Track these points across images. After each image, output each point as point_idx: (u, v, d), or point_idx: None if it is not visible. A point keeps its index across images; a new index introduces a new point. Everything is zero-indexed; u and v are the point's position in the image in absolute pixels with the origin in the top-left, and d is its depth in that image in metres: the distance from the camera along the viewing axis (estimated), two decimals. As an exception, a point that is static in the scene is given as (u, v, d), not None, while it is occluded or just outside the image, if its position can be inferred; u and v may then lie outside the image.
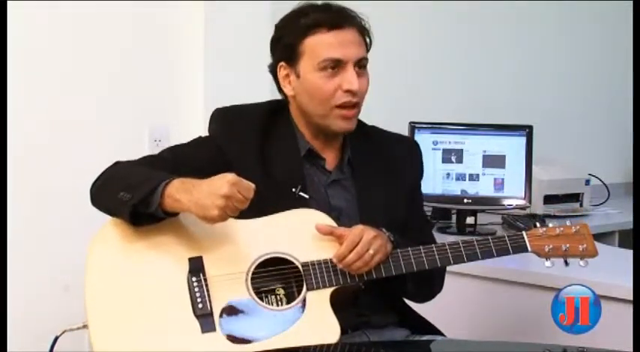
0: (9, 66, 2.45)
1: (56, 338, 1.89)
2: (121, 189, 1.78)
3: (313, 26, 1.89)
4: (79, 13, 2.63)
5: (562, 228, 1.90)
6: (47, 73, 2.61)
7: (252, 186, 1.73)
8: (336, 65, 1.89)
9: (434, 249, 1.87)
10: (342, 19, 1.91)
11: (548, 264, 1.89)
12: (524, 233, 1.90)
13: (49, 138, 2.62)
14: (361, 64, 1.92)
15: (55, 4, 2.58)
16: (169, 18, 2.84)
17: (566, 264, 1.89)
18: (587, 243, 1.89)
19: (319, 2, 1.96)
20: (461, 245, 1.87)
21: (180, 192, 1.74)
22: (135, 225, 1.80)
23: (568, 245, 1.89)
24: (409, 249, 1.86)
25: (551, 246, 1.88)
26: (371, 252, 1.81)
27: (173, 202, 1.75)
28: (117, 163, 1.92)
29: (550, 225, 1.92)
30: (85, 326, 1.78)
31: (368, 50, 1.95)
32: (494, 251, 1.88)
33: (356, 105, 1.92)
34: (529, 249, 1.89)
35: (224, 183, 1.71)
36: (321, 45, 1.89)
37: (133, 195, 1.76)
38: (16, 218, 2.46)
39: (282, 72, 1.95)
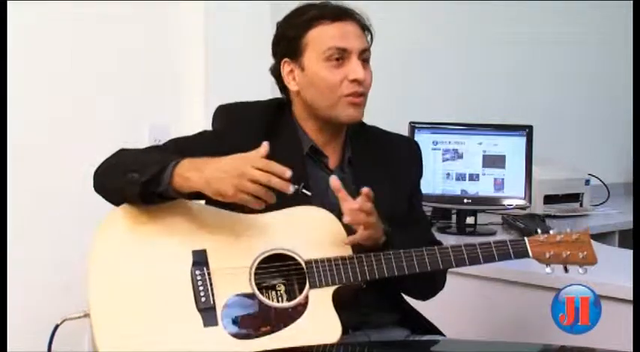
0: (8, 65, 2.45)
1: (56, 327, 1.88)
2: (129, 171, 1.78)
3: (316, 18, 1.91)
4: (79, 12, 2.63)
5: (563, 235, 1.91)
6: (47, 73, 2.61)
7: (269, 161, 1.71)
8: (340, 55, 1.90)
9: (436, 251, 1.87)
10: (343, 12, 1.93)
11: (548, 270, 1.90)
12: (525, 239, 1.90)
13: (50, 137, 2.62)
14: (364, 57, 1.93)
15: (54, 3, 2.58)
16: (169, 17, 2.84)
17: (566, 270, 1.90)
18: (588, 250, 1.90)
19: (318, 2, 1.97)
20: (463, 248, 1.87)
21: (191, 170, 1.74)
22: (145, 204, 1.80)
23: (569, 252, 1.89)
24: (412, 250, 1.86)
25: (551, 253, 1.89)
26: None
27: (183, 181, 1.74)
28: (122, 150, 1.92)
29: (552, 231, 1.92)
30: (85, 315, 1.78)
31: (369, 46, 1.97)
32: (495, 255, 1.88)
33: (362, 95, 1.93)
34: (530, 255, 1.90)
35: (238, 162, 1.71)
36: (324, 35, 1.90)
37: (142, 174, 1.75)
38: (16, 217, 2.45)
39: (285, 68, 1.96)
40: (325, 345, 1.76)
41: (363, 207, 1.79)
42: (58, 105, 2.63)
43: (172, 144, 1.97)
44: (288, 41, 1.94)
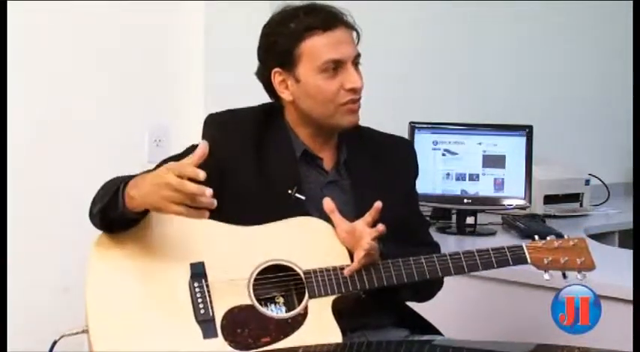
0: (8, 65, 2.45)
1: (54, 343, 1.88)
2: (95, 204, 1.80)
3: (307, 29, 1.90)
4: (79, 12, 2.64)
5: (560, 241, 1.92)
6: (47, 74, 2.62)
7: (190, 164, 1.65)
8: (336, 65, 1.89)
9: (435, 259, 1.87)
10: (333, 19, 1.92)
11: (546, 276, 1.91)
12: (523, 245, 1.91)
13: (50, 138, 2.62)
14: (357, 61, 1.93)
15: (55, 3, 2.58)
16: (170, 18, 2.84)
17: (565, 276, 1.91)
18: (585, 256, 1.91)
19: (302, 3, 1.95)
20: (462, 256, 1.88)
21: (132, 188, 1.71)
22: (113, 232, 1.80)
23: (567, 258, 1.90)
24: (411, 259, 1.86)
25: (550, 259, 1.90)
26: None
27: (130, 200, 1.72)
28: (108, 181, 1.88)
29: (548, 237, 1.93)
30: (83, 331, 1.77)
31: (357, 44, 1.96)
32: (494, 262, 1.89)
33: (358, 100, 1.93)
34: (529, 261, 1.91)
35: (162, 172, 1.67)
36: (319, 47, 1.89)
37: (102, 203, 1.76)
38: (16, 219, 2.45)
39: (277, 78, 1.95)
40: (323, 345, 1.76)
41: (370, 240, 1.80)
42: (58, 105, 2.63)
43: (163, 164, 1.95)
44: (279, 52, 1.92)
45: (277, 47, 1.93)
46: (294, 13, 1.93)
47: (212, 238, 1.82)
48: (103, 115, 2.72)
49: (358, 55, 1.93)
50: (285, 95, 1.95)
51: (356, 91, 1.91)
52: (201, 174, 1.63)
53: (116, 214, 1.75)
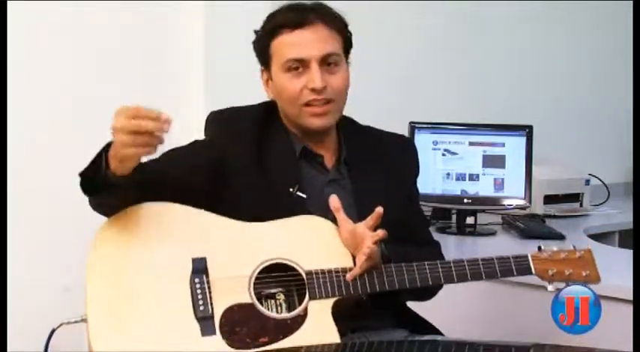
0: (9, 66, 2.45)
1: (53, 331, 1.87)
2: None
3: (277, 28, 1.90)
4: (80, 12, 2.64)
5: (567, 253, 1.90)
6: (47, 74, 2.62)
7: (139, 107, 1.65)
8: (299, 65, 1.89)
9: (438, 266, 1.86)
10: (304, 18, 1.89)
11: (550, 288, 1.89)
12: (529, 255, 1.90)
13: (50, 138, 2.62)
14: (330, 61, 1.90)
15: (55, 3, 2.59)
16: (170, 18, 2.84)
17: None
18: (591, 269, 1.89)
19: (296, 2, 1.94)
20: (465, 264, 1.87)
21: (112, 149, 1.69)
22: (96, 196, 1.76)
23: (572, 270, 1.88)
24: (414, 264, 1.85)
25: (554, 270, 1.88)
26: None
27: (110, 160, 1.69)
28: None
29: (554, 248, 1.92)
30: (83, 320, 1.76)
31: (349, 46, 1.95)
32: (498, 272, 1.88)
33: (329, 102, 1.91)
34: (533, 271, 1.89)
35: (114, 118, 1.64)
36: (283, 46, 1.90)
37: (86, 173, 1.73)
38: (16, 219, 2.45)
39: (263, 76, 1.97)
40: (324, 345, 1.76)
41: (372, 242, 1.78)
42: (58, 105, 2.63)
43: (164, 156, 1.93)
44: (258, 51, 1.95)
45: (257, 46, 1.96)
46: (276, 11, 1.94)
47: (216, 234, 1.82)
48: (103, 115, 2.71)
49: (331, 55, 1.90)
50: (269, 94, 1.97)
51: (317, 91, 1.89)
52: (164, 115, 1.63)
53: (99, 177, 1.70)
